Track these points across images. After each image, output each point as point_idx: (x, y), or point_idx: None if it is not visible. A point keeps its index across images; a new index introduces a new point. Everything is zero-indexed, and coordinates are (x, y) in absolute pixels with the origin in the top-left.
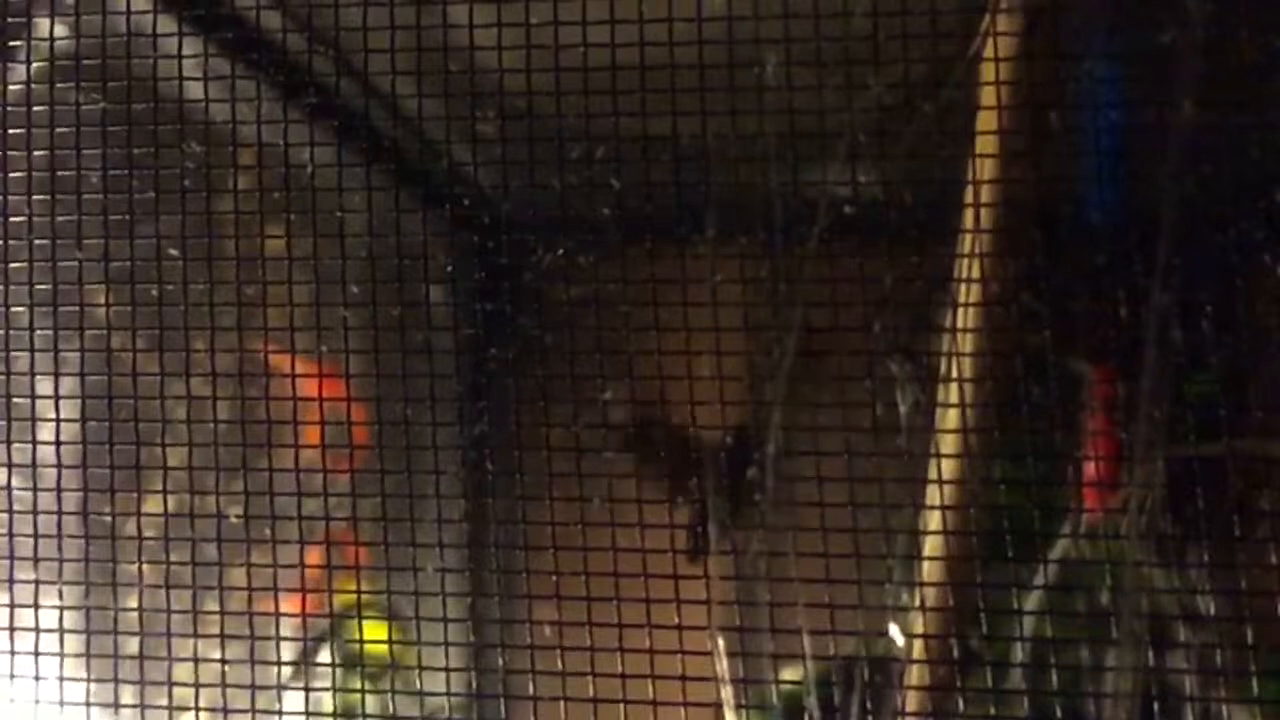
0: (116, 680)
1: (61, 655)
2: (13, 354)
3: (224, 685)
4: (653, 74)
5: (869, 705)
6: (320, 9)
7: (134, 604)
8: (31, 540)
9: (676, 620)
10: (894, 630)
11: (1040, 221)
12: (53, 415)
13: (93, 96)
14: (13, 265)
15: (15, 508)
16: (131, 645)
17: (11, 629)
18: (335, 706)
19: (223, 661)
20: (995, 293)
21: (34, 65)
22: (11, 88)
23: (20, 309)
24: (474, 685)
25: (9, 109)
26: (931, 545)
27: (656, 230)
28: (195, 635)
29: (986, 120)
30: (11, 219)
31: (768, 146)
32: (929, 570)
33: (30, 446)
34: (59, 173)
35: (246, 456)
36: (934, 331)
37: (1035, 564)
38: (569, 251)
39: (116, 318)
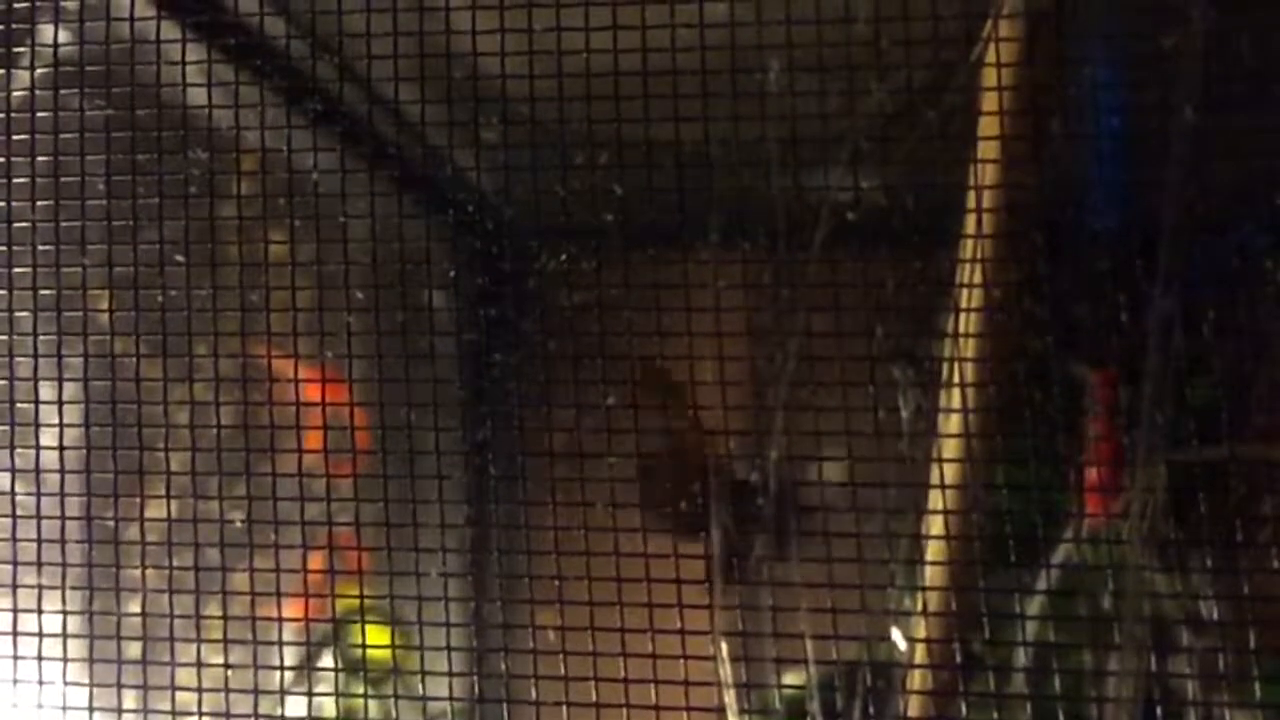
0: (119, 685)
1: (64, 660)
2: (16, 359)
3: (226, 690)
4: (655, 80)
5: (871, 710)
6: (323, 15)
7: (137, 609)
8: (34, 545)
9: (679, 625)
10: (896, 635)
11: (1042, 226)
12: (56, 420)
13: (96, 102)
14: (16, 270)
15: (18, 512)
16: (134, 650)
17: (15, 634)
18: (338, 711)
19: (225, 666)
20: (997, 298)
21: (38, 71)
22: (15, 94)
23: (24, 314)
24: (476, 690)
25: (13, 115)
26: (934, 550)
27: (659, 236)
28: (198, 640)
29: (988, 125)
30: (15, 224)
31: (770, 152)
32: (931, 575)
33: (33, 451)
34: (63, 178)
35: (249, 461)
36: (936, 336)
37: (1037, 568)
38: (572, 257)
39: (120, 323)
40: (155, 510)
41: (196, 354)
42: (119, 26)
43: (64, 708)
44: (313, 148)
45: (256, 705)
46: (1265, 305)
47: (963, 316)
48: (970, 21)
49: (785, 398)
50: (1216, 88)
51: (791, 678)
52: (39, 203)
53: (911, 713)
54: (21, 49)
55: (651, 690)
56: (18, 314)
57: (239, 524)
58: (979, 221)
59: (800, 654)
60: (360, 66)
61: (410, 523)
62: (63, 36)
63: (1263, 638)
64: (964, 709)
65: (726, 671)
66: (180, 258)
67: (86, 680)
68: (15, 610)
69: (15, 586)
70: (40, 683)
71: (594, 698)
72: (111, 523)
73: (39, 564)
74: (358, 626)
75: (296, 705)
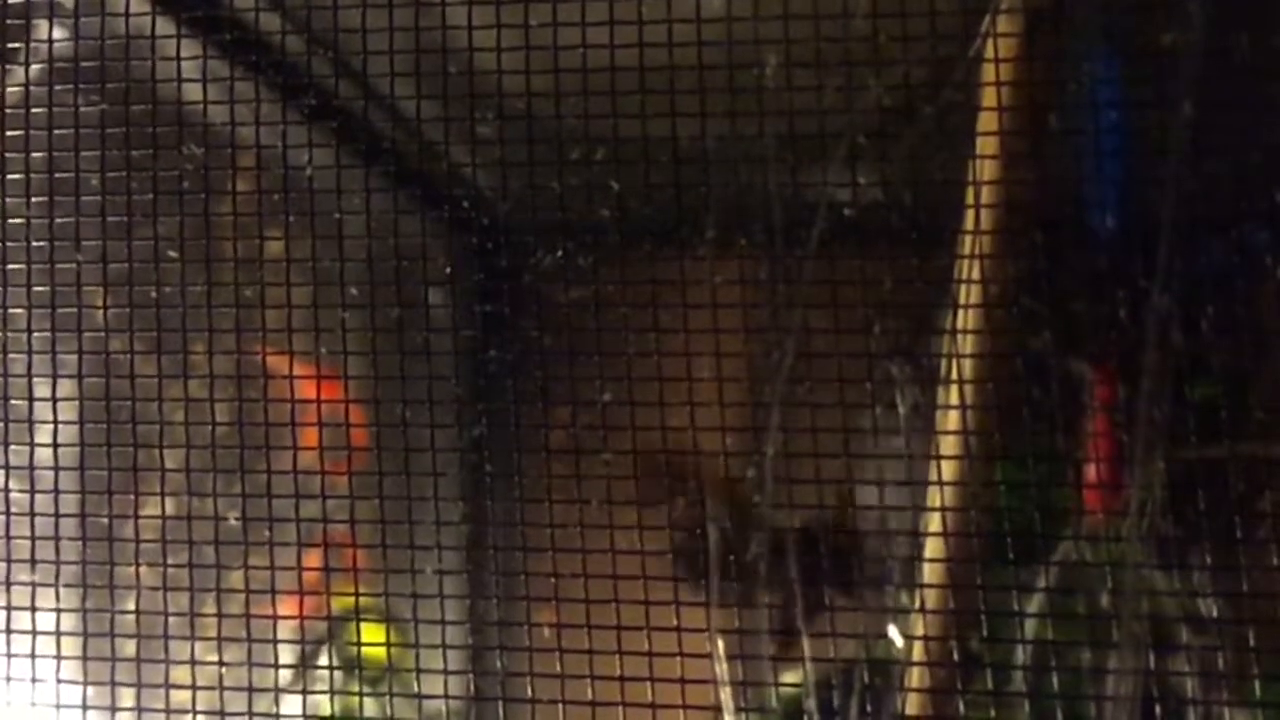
0: (114, 683)
1: (58, 658)
2: (10, 356)
3: (221, 688)
4: (652, 75)
5: (869, 708)
6: (319, 11)
7: (131, 607)
8: (29, 543)
9: (676, 623)
10: (894, 632)
11: (1041, 223)
12: (50, 417)
13: (91, 99)
14: (11, 267)
15: (13, 510)
16: (129, 648)
17: (8, 631)
18: (333, 710)
19: (220, 665)
20: (996, 294)
21: (33, 68)
22: (10, 90)
23: (18, 311)
24: (473, 688)
25: (8, 111)
26: (932, 547)
27: (656, 232)
28: (193, 638)
29: (987, 122)
30: (10, 221)
31: (767, 148)
32: (929, 572)
33: (28, 449)
34: (57, 175)
35: (244, 459)
36: (934, 333)
37: (1036, 566)
38: (568, 253)
39: (115, 320)
40: (150, 508)
41: (192, 351)
42: (114, 22)
43: (58, 706)
44: (308, 144)
45: (252, 704)
46: (1265, 302)
47: (961, 313)
48: (968, 17)
49: (782, 394)
50: (1215, 83)
51: (788, 676)
52: (34, 199)
53: (909, 711)
54: (17, 45)
55: (648, 688)
56: (12, 311)
57: (234, 522)
58: (977, 218)
59: (797, 652)
60: (356, 62)
61: (406, 520)
62: (58, 33)
63: (1262, 636)
64: (962, 707)
65: (723, 669)
66: (175, 254)
67: (81, 679)
68: (9, 608)
69: (9, 584)
70: (34, 681)
71: (590, 696)
72: (106, 520)
73: (33, 561)
74: (353, 625)
75: (292, 704)
